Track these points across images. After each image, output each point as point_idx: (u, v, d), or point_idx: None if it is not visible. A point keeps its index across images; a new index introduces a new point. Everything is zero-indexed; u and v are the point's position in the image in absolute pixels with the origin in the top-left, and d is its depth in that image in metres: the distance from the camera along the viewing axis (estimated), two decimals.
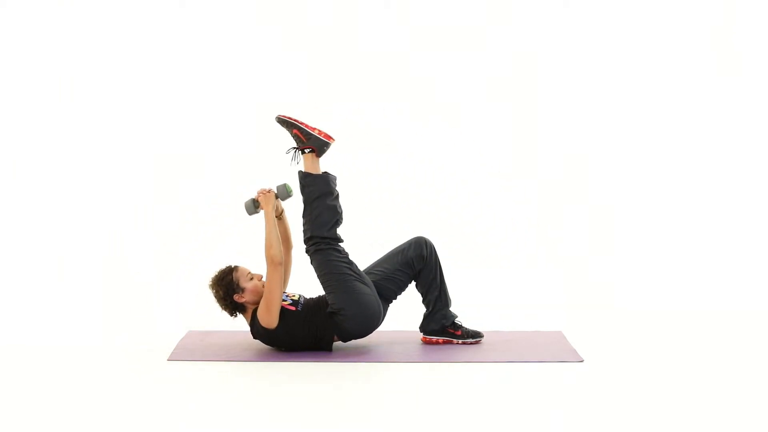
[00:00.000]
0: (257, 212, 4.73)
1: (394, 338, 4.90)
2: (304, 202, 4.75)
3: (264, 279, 4.63)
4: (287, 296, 4.71)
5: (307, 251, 4.73)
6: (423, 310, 4.91)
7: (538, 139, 6.57)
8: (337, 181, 4.79)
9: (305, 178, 4.76)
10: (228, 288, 4.62)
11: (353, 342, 4.79)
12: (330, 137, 4.78)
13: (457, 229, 6.46)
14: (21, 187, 6.44)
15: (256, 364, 4.49)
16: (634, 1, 6.53)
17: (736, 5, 6.50)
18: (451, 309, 4.90)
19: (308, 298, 4.77)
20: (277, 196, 4.74)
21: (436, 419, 3.70)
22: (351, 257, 4.74)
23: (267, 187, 4.75)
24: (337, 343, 4.75)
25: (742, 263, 6.27)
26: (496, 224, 6.51)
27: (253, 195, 4.75)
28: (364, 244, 6.15)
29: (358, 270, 4.71)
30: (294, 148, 4.83)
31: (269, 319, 4.57)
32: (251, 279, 4.65)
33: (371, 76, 6.55)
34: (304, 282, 4.93)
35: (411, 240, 4.91)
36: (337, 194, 4.76)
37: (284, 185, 4.75)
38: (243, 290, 4.62)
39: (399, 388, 4.15)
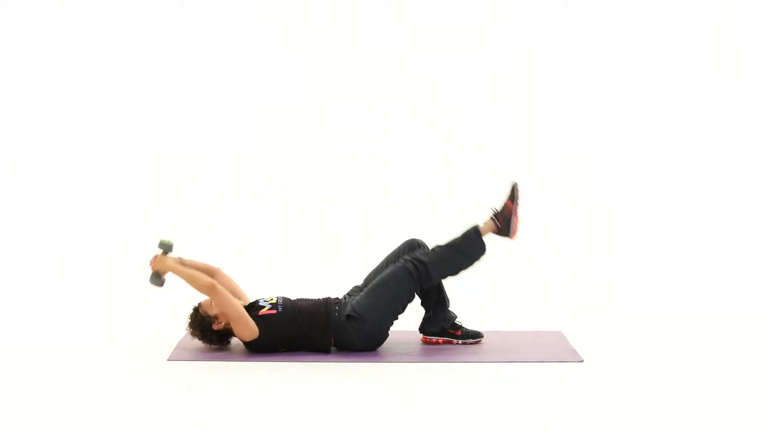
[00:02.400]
0: (164, 279, 4.71)
1: (394, 338, 4.90)
2: (454, 244, 4.81)
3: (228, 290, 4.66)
4: (265, 302, 4.72)
5: (404, 259, 4.74)
6: (422, 310, 4.90)
7: (538, 139, 6.57)
8: (482, 260, 4.84)
9: (475, 234, 4.82)
10: (203, 325, 4.65)
11: None
12: (515, 234, 4.87)
13: (457, 229, 6.45)
14: (21, 187, 6.44)
15: (256, 364, 4.49)
16: (634, 1, 6.53)
17: (736, 5, 6.50)
18: (451, 309, 4.90)
19: (294, 299, 4.76)
20: (165, 253, 4.72)
21: (436, 419, 3.70)
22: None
23: (152, 256, 4.72)
24: None
25: (742, 263, 6.27)
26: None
27: (150, 271, 4.73)
28: (364, 244, 6.16)
29: (402, 311, 4.73)
30: (494, 209, 4.89)
31: (247, 331, 4.59)
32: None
33: (371, 76, 6.55)
34: (305, 283, 4.93)
35: (405, 243, 4.90)
36: (470, 267, 4.82)
37: (161, 242, 4.73)
38: (216, 317, 4.64)
39: (399, 388, 4.15)
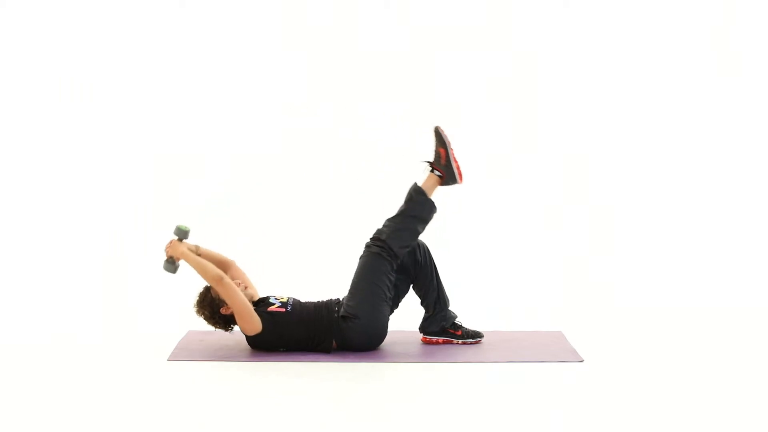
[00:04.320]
0: (178, 265, 4.71)
1: (394, 338, 4.90)
2: (401, 211, 4.77)
3: (235, 284, 4.64)
4: (276, 299, 4.72)
5: (367, 246, 4.74)
6: (422, 310, 4.90)
7: (538, 139, 6.57)
8: (435, 216, 4.79)
9: (417, 193, 4.77)
10: (212, 305, 4.65)
11: None
12: (462, 178, 4.79)
13: (457, 228, 6.45)
14: (21, 186, 6.44)
15: (256, 364, 4.49)
16: (634, 1, 6.53)
17: (736, 5, 6.50)
18: (451, 309, 4.90)
19: (303, 302, 4.77)
20: (180, 239, 4.72)
21: (436, 419, 3.70)
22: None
23: (167, 241, 4.73)
24: None
25: (742, 262, 6.27)
26: (496, 224, 6.50)
27: (164, 257, 4.73)
28: (363, 243, 6.15)
29: (392, 296, 4.71)
30: (428, 162, 4.82)
31: (249, 325, 4.59)
32: None
33: (371, 76, 6.55)
34: (304, 284, 4.93)
35: None
36: (427, 225, 4.77)
37: (177, 228, 4.73)
38: (225, 302, 4.64)
39: (399, 388, 4.15)
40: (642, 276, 6.22)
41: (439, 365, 4.50)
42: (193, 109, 6.54)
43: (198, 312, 4.68)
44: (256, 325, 4.58)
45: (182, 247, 4.66)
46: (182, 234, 4.72)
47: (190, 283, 5.81)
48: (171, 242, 4.70)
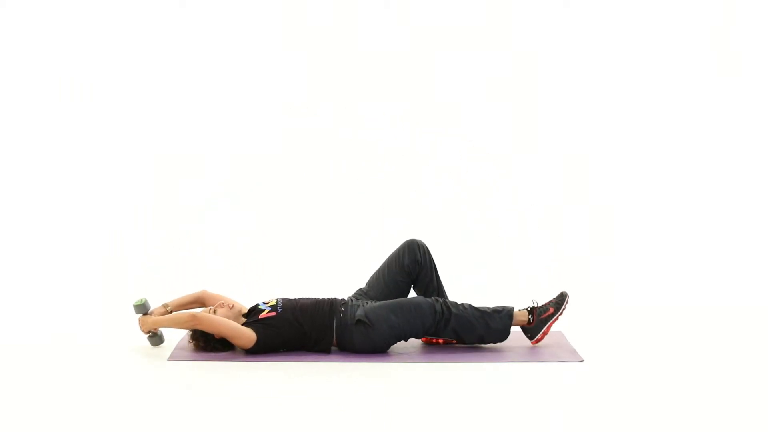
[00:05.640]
0: (159, 334, 4.81)
1: None
2: (484, 313, 4.69)
3: (224, 303, 4.69)
4: (265, 304, 4.72)
5: (437, 298, 4.71)
6: None
7: (538, 139, 6.57)
8: (493, 341, 4.77)
9: (507, 317, 4.72)
10: (204, 336, 4.67)
11: None
12: (537, 341, 4.76)
13: (457, 228, 6.45)
14: (21, 186, 6.44)
15: (256, 364, 4.49)
16: (634, 1, 6.53)
17: (736, 5, 6.50)
18: None
19: (295, 299, 4.76)
20: (145, 314, 4.81)
21: (436, 419, 3.70)
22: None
23: (136, 323, 4.84)
24: None
25: (742, 261, 6.27)
26: (496, 224, 6.50)
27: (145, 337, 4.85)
28: (364, 243, 6.16)
29: (406, 339, 4.70)
30: (536, 304, 4.81)
31: (243, 341, 4.60)
32: (215, 312, 4.68)
33: (371, 76, 6.55)
34: (304, 283, 4.93)
35: (403, 244, 4.90)
36: (481, 340, 4.72)
37: (134, 306, 4.82)
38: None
39: (399, 388, 4.15)
40: (642, 275, 6.23)
41: (439, 365, 4.50)
42: (193, 109, 6.53)
43: (194, 345, 4.72)
44: (249, 338, 4.59)
45: (150, 319, 4.76)
46: (141, 309, 4.82)
47: (190, 283, 5.83)
48: (139, 320, 4.80)
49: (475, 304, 4.75)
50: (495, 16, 6.56)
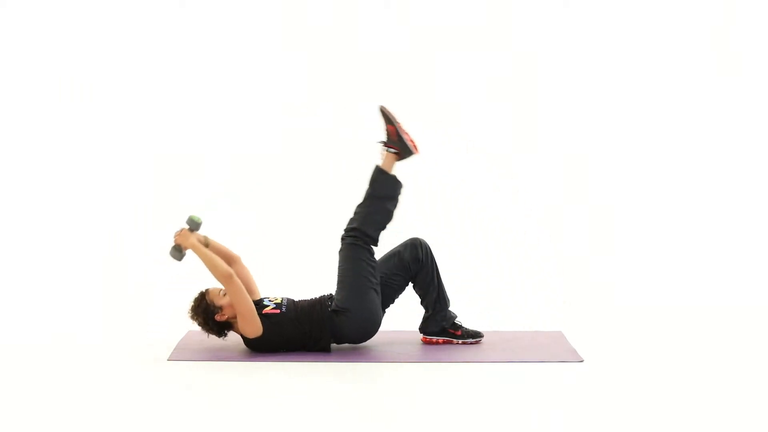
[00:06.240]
0: (184, 254, 4.70)
1: (394, 338, 4.90)
2: (367, 195, 4.79)
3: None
4: (270, 301, 4.72)
5: (342, 238, 4.75)
6: (422, 310, 4.90)
7: (538, 139, 6.57)
8: (402, 191, 4.80)
9: (378, 174, 4.81)
10: (206, 312, 4.62)
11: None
12: (417, 149, 4.82)
13: (457, 228, 6.45)
14: (21, 186, 6.44)
15: (256, 364, 4.49)
16: (634, 1, 6.53)
17: (736, 5, 6.50)
18: (451, 309, 4.90)
19: (296, 300, 4.77)
20: (191, 230, 4.71)
21: (436, 419, 3.70)
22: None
23: (178, 228, 4.72)
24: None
25: (742, 261, 6.28)
26: (496, 224, 6.51)
27: (172, 243, 4.72)
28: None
29: (378, 280, 4.72)
30: (382, 142, 4.84)
31: (252, 328, 4.58)
32: (225, 295, 4.65)
33: (371, 76, 6.55)
34: (304, 283, 4.93)
35: (406, 242, 4.91)
36: (398, 202, 4.79)
37: (190, 218, 4.72)
38: (221, 308, 4.62)
39: (399, 388, 4.15)
40: (642, 275, 6.23)
41: (439, 365, 4.50)
42: (193, 109, 6.54)
43: (192, 318, 4.66)
44: (257, 328, 4.58)
45: (192, 238, 4.65)
46: (194, 225, 4.70)
47: (190, 283, 5.83)
48: (182, 231, 4.69)
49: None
50: (495, 16, 6.56)
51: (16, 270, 6.17)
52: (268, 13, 6.55)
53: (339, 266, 4.74)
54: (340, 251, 4.75)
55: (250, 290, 4.77)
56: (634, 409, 3.81)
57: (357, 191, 6.46)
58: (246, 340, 4.65)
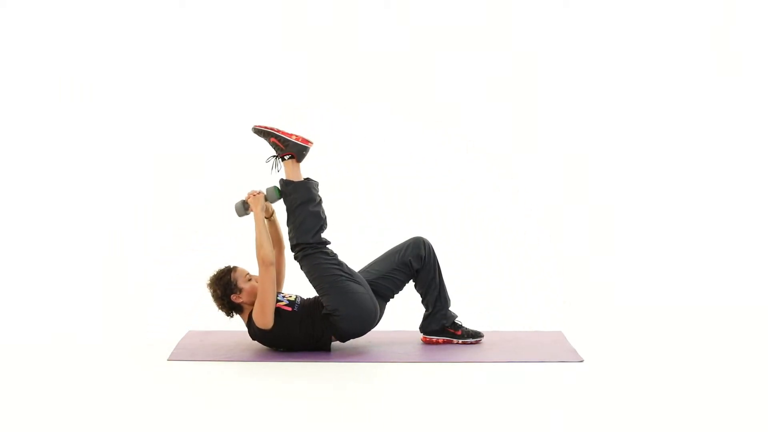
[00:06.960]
0: (247, 214, 4.73)
1: (394, 338, 4.91)
2: (287, 209, 4.75)
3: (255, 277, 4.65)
4: (283, 297, 4.71)
5: (295, 258, 4.74)
6: (422, 310, 4.91)
7: (538, 139, 6.57)
8: (319, 187, 4.78)
9: (287, 186, 4.75)
10: (225, 288, 4.62)
11: (352, 342, 4.79)
12: (308, 141, 4.79)
13: (457, 228, 6.45)
14: (21, 186, 6.44)
15: (256, 364, 4.49)
16: (634, 1, 6.53)
17: (736, 5, 6.50)
18: (451, 309, 4.90)
19: (305, 298, 4.77)
20: (266, 198, 4.73)
21: (436, 419, 3.70)
22: (346, 257, 4.74)
23: (257, 189, 4.74)
24: (336, 343, 4.74)
25: (742, 261, 6.28)
26: (496, 224, 6.51)
27: (244, 197, 4.73)
28: (364, 244, 6.15)
29: (349, 269, 4.70)
30: (273, 156, 4.82)
31: (264, 320, 4.57)
32: (249, 280, 4.66)
33: (371, 76, 6.55)
34: (302, 282, 4.92)
35: (409, 240, 4.91)
36: (320, 200, 4.76)
37: (274, 187, 4.75)
38: (241, 291, 4.62)
39: (399, 388, 4.15)
40: (642, 275, 6.23)
41: (439, 365, 4.50)
42: (193, 109, 6.54)
43: (210, 286, 4.66)
44: (270, 321, 4.58)
45: (263, 206, 4.68)
46: (271, 196, 4.73)
47: (190, 283, 5.84)
48: (258, 193, 4.71)
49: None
50: (495, 16, 6.56)
51: (16, 270, 6.17)
52: (268, 13, 6.55)
53: (310, 281, 4.72)
54: (301, 269, 4.74)
55: (278, 281, 4.77)
56: (634, 409, 3.81)
57: (357, 191, 6.49)
58: (251, 329, 4.63)
